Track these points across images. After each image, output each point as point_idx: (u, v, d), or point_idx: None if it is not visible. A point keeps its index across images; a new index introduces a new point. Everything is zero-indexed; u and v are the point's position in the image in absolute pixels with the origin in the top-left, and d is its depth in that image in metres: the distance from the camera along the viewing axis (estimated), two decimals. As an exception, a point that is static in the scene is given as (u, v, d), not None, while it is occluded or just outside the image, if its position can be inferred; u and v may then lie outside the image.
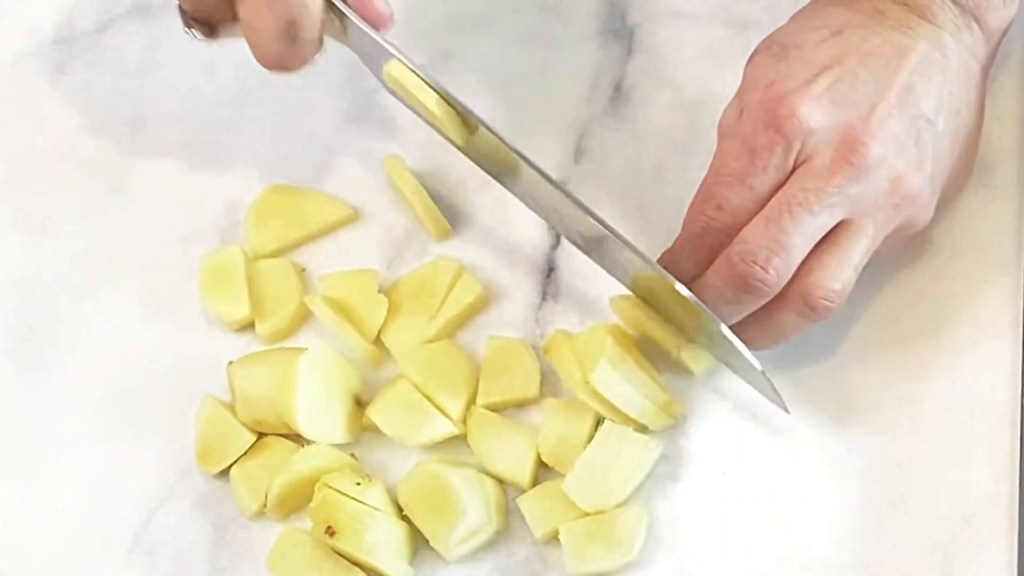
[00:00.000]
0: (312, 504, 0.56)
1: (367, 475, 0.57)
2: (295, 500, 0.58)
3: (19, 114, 0.68)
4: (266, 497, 0.58)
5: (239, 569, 0.58)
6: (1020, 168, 0.62)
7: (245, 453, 0.59)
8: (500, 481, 0.58)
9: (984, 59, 0.59)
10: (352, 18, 0.58)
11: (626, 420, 0.57)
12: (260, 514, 0.58)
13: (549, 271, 0.63)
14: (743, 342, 0.56)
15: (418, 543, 0.57)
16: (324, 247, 0.64)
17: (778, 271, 0.54)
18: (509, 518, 0.58)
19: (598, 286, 0.62)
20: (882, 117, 0.55)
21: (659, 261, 0.58)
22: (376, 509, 0.56)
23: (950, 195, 0.60)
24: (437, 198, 0.64)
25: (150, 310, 0.63)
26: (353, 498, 0.56)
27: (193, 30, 0.60)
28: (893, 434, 0.58)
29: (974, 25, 0.58)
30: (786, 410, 0.58)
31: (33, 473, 0.61)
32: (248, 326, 0.62)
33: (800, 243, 0.54)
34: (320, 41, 0.58)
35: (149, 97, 0.68)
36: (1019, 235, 0.61)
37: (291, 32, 0.56)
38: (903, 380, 0.59)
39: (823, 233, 0.55)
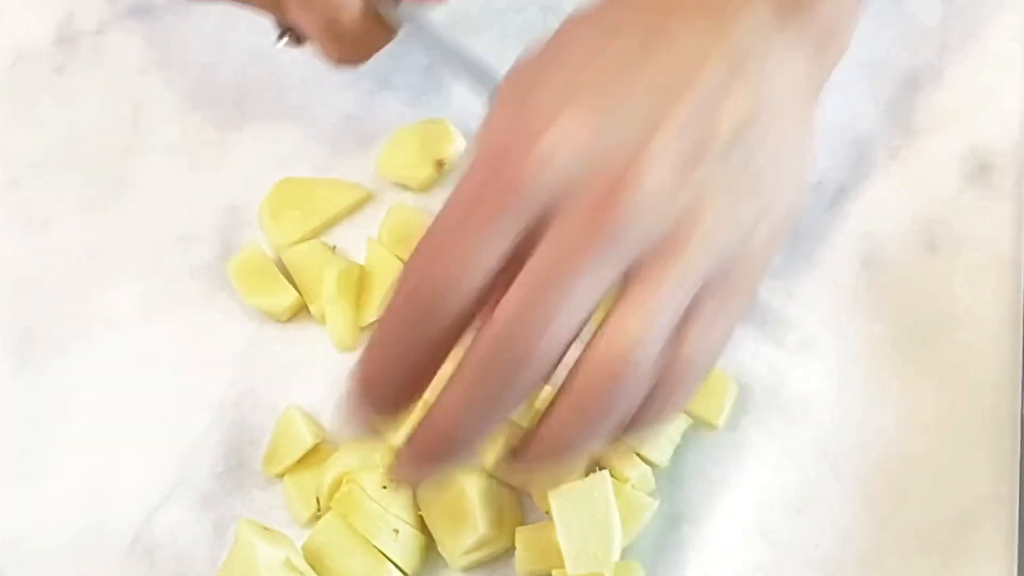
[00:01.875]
0: (336, 495, 0.56)
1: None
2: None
3: (19, 114, 0.68)
4: (318, 501, 0.57)
5: (239, 569, 0.58)
6: (1020, 168, 0.62)
7: (299, 461, 0.59)
8: (517, 496, 0.57)
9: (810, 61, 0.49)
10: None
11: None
12: (314, 520, 0.58)
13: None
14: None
15: (430, 554, 0.57)
16: (344, 230, 0.64)
17: (551, 356, 0.43)
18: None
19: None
20: (656, 151, 0.43)
21: (363, 370, 0.45)
22: (394, 516, 0.56)
23: (793, 215, 0.49)
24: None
25: (150, 310, 0.63)
26: (375, 501, 0.56)
27: (286, 41, 0.62)
28: (893, 434, 0.58)
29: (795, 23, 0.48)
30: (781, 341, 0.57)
31: (33, 473, 0.61)
32: (297, 313, 0.62)
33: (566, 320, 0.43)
34: (379, 35, 0.59)
35: (149, 97, 0.68)
36: (1019, 235, 0.61)
37: (335, 31, 0.57)
38: (903, 380, 0.59)
39: (593, 307, 0.44)
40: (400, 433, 0.47)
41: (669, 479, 0.58)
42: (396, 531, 0.56)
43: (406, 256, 0.45)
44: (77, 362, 0.63)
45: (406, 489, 0.56)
